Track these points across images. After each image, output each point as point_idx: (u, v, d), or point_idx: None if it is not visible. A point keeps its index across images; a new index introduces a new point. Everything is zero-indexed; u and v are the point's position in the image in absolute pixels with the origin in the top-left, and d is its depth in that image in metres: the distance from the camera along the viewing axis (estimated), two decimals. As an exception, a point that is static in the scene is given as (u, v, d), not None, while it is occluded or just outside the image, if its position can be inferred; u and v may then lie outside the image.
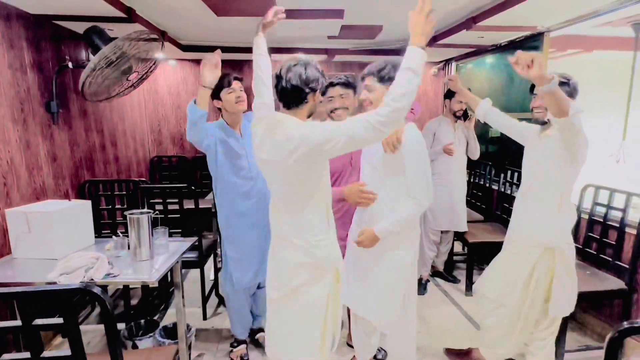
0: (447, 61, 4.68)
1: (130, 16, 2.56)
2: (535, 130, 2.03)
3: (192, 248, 2.39)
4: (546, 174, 1.91)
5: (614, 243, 2.43)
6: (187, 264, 2.75)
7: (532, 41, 3.24)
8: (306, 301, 1.56)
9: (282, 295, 1.59)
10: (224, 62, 2.11)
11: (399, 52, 4.10)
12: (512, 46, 3.51)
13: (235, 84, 2.12)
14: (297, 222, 1.52)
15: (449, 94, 3.17)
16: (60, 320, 1.10)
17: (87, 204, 2.27)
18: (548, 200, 1.90)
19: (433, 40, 3.51)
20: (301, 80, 1.47)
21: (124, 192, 2.95)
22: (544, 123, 1.96)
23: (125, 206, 2.93)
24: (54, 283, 1.72)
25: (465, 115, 3.18)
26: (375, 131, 1.34)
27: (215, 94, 2.08)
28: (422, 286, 3.27)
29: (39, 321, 1.08)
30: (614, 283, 2.33)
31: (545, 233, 1.92)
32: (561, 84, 1.77)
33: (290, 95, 1.49)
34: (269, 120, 1.51)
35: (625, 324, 0.90)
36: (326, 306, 1.56)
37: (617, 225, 2.42)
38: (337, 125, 1.41)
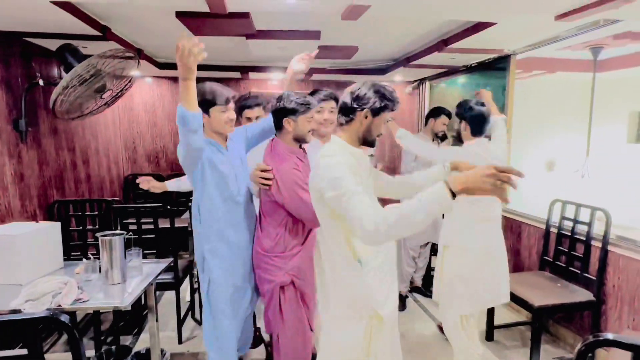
0: (422, 80, 4.83)
1: (105, 34, 2.54)
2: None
3: (167, 269, 2.33)
4: None
5: (581, 256, 2.53)
6: (162, 286, 2.67)
7: (499, 62, 3.40)
8: None
9: None
10: (200, 79, 2.07)
11: (374, 71, 4.21)
12: (482, 67, 3.67)
13: (231, 105, 1.87)
14: None
15: (436, 113, 3.27)
16: (24, 352, 1.04)
17: (55, 226, 2.19)
18: None
19: (407, 61, 3.63)
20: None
21: (96, 213, 2.86)
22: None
23: (97, 227, 2.83)
24: (19, 311, 1.63)
25: (444, 137, 3.29)
26: (367, 230, 1.20)
27: (204, 108, 1.75)
28: (401, 302, 3.28)
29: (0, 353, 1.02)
30: (583, 295, 2.41)
31: (443, 232, 2.25)
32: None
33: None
34: None
35: (591, 338, 0.94)
36: None
37: (584, 238, 2.52)
38: (350, 188, 1.25)
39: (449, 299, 2.20)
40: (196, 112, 1.62)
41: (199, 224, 1.84)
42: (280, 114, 1.79)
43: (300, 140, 1.84)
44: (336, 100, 2.14)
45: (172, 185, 2.40)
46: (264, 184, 1.74)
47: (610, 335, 0.95)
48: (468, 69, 3.85)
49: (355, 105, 1.38)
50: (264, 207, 1.82)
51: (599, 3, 1.74)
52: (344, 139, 1.42)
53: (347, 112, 1.40)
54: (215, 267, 1.82)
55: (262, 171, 1.76)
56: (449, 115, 3.28)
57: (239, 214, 1.86)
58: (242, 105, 2.36)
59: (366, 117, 1.38)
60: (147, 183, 2.31)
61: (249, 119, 2.36)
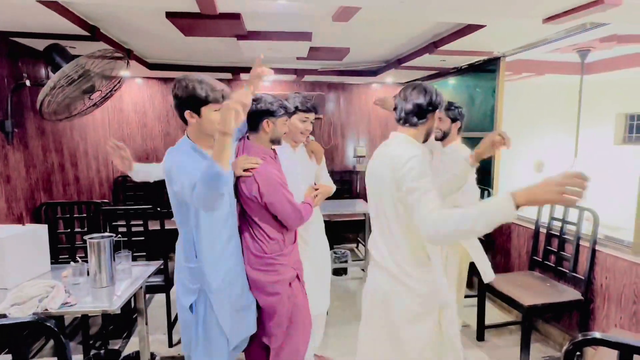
0: (412, 82, 4.86)
1: (94, 34, 2.51)
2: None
3: (157, 272, 2.30)
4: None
5: (570, 255, 2.56)
6: (152, 289, 2.64)
7: (489, 64, 3.43)
8: None
9: None
10: None
11: (366, 73, 4.23)
12: (472, 69, 3.71)
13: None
14: None
15: None
16: (8, 357, 1.02)
17: (42, 228, 2.15)
18: None
19: (398, 63, 3.65)
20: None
21: (84, 215, 2.82)
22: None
23: (86, 229, 2.79)
24: (4, 315, 1.60)
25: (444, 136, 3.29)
26: (428, 226, 1.30)
27: (194, 106, 1.51)
28: None
29: (-17, 359, 1.00)
30: (571, 294, 2.44)
31: None
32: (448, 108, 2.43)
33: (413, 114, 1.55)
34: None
35: (579, 337, 0.95)
36: None
37: (572, 238, 2.55)
38: (427, 186, 1.36)
39: None
40: (230, 171, 1.38)
41: (194, 259, 1.61)
42: (259, 115, 1.77)
43: (275, 142, 1.86)
44: (316, 111, 2.16)
45: (140, 170, 1.91)
46: (244, 175, 1.71)
47: (597, 334, 0.96)
48: (459, 71, 3.88)
49: (430, 108, 1.52)
50: (255, 215, 1.76)
51: (586, 6, 1.77)
52: (413, 136, 1.55)
53: (422, 114, 1.53)
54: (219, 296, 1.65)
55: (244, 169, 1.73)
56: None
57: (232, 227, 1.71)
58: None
59: (435, 117, 1.57)
60: (116, 152, 1.81)
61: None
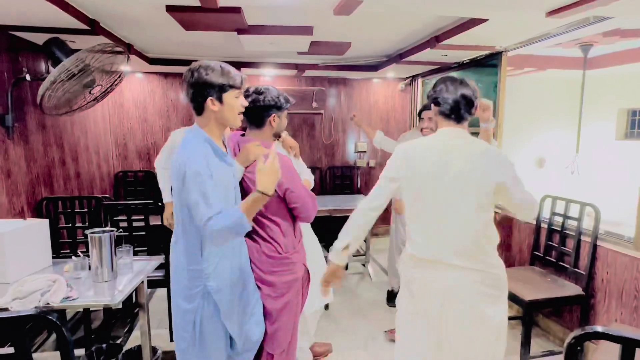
0: (414, 77, 4.84)
1: (94, 28, 2.49)
2: None
3: (158, 266, 2.31)
4: None
5: (571, 251, 2.56)
6: (153, 284, 2.64)
7: (491, 59, 3.41)
8: None
9: None
10: None
11: (367, 68, 4.21)
12: (474, 64, 3.69)
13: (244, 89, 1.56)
14: None
15: (419, 114, 3.28)
16: (11, 350, 1.02)
17: (43, 223, 2.15)
18: None
19: (399, 58, 3.63)
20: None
21: (85, 210, 2.82)
22: None
23: (87, 224, 2.79)
24: (6, 309, 1.60)
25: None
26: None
27: (216, 92, 1.41)
28: (393, 297, 3.30)
29: (-14, 352, 1.00)
30: (572, 289, 2.44)
31: None
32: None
33: None
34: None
35: (581, 331, 0.94)
36: None
37: (574, 233, 2.55)
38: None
39: None
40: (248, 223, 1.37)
41: (198, 260, 1.49)
42: (266, 110, 1.67)
43: (277, 136, 1.80)
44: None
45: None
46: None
47: (599, 328, 0.96)
48: (460, 66, 3.86)
49: (477, 103, 1.59)
50: (268, 211, 1.64)
51: (590, 0, 1.75)
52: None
53: (472, 107, 1.58)
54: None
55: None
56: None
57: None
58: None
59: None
60: None
61: None
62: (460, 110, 1.55)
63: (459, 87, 1.55)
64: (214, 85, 1.40)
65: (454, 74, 4.18)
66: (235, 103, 1.45)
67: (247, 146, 1.63)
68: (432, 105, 1.63)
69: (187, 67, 1.42)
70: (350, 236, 1.63)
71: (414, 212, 1.60)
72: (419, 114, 3.32)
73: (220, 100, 1.43)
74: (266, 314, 1.67)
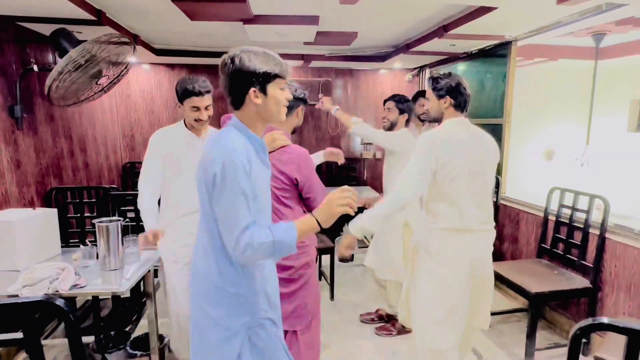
0: (421, 67, 4.78)
1: (100, 19, 2.50)
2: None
3: (165, 256, 2.33)
4: None
5: (579, 243, 2.53)
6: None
7: (500, 49, 3.36)
8: None
9: None
10: (198, 66, 2.06)
11: (374, 58, 4.16)
12: (482, 54, 3.63)
13: None
14: None
15: (414, 98, 3.25)
16: (20, 335, 1.04)
17: (52, 213, 2.18)
18: None
19: (407, 48, 3.58)
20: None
21: (94, 200, 2.85)
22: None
23: (95, 214, 2.83)
24: (16, 296, 1.64)
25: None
26: None
27: (260, 83, 1.20)
28: None
29: (-4, 336, 1.02)
30: (579, 282, 2.42)
31: None
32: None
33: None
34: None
35: (586, 322, 0.93)
36: None
37: (582, 226, 2.52)
38: None
39: None
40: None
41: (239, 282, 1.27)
42: (297, 102, 1.77)
43: (294, 131, 1.86)
44: None
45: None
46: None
47: (605, 319, 0.95)
48: (469, 56, 3.80)
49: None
50: (289, 199, 1.70)
51: (602, -14, 1.70)
52: None
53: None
54: None
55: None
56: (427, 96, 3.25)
57: None
58: (187, 91, 2.02)
59: None
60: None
61: (197, 109, 2.04)
62: (468, 104, 1.88)
63: (467, 86, 1.87)
64: (258, 74, 1.19)
65: (462, 64, 4.12)
66: (280, 95, 1.25)
67: (273, 133, 1.69)
68: (447, 96, 1.84)
69: (225, 54, 1.21)
70: (381, 221, 1.84)
71: (445, 191, 1.81)
72: (414, 100, 3.28)
73: (264, 91, 1.21)
74: (284, 296, 1.66)
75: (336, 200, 1.21)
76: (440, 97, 1.85)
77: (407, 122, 2.71)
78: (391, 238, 2.62)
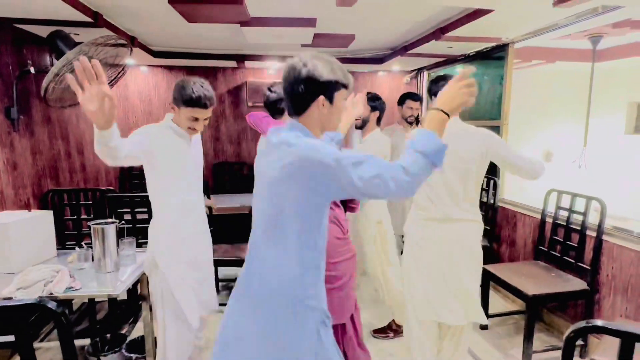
0: (419, 70, 4.79)
1: (97, 21, 2.50)
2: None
3: (161, 258, 2.32)
4: None
5: (576, 245, 2.53)
6: (156, 275, 2.66)
7: (498, 51, 3.36)
8: None
9: None
10: (196, 68, 2.05)
11: (372, 60, 4.17)
12: (480, 56, 3.64)
13: None
14: None
15: (400, 101, 3.26)
16: (11, 338, 1.04)
17: (48, 215, 2.18)
18: None
19: (404, 50, 3.59)
20: None
21: (90, 202, 2.84)
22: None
23: (92, 216, 2.82)
24: (10, 299, 1.63)
25: (417, 121, 3.25)
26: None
27: (330, 91, 1.20)
28: None
29: (-13, 339, 1.02)
30: (576, 284, 2.42)
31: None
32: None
33: None
34: None
35: (579, 324, 0.93)
36: None
37: (579, 228, 2.52)
38: None
39: None
40: None
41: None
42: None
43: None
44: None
45: (115, 139, 1.51)
46: None
47: (598, 322, 0.95)
48: (466, 58, 3.81)
49: None
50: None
51: (598, -12, 1.71)
52: None
53: None
54: None
55: None
56: (415, 98, 3.26)
57: None
58: (190, 100, 1.85)
59: None
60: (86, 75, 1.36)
61: (195, 120, 1.87)
62: None
63: None
64: (329, 83, 1.18)
65: (460, 66, 4.13)
66: (342, 105, 1.25)
67: None
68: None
69: (293, 59, 1.20)
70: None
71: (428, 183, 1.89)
72: (400, 103, 3.28)
73: (331, 100, 1.20)
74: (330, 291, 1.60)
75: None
76: (433, 97, 1.99)
77: (379, 120, 2.70)
78: (365, 235, 2.67)
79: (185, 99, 1.83)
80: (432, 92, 1.98)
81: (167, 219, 1.93)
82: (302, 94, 1.18)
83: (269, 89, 2.04)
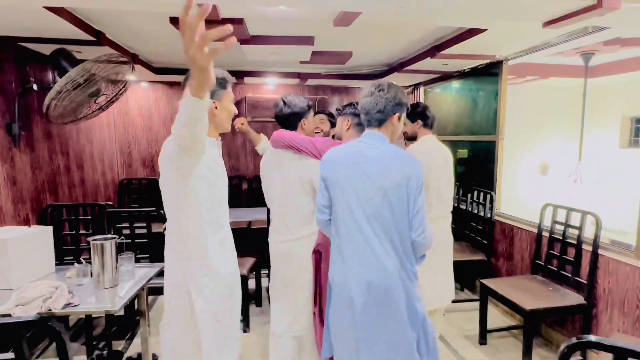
0: (416, 85, 4.87)
1: (100, 39, 2.55)
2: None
3: (160, 273, 2.32)
4: None
5: (572, 259, 2.54)
6: (155, 291, 2.65)
7: (492, 68, 3.43)
8: None
9: None
10: None
11: (369, 76, 4.24)
12: (475, 73, 3.71)
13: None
14: None
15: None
16: (11, 355, 1.04)
17: (47, 230, 2.18)
18: None
19: (401, 67, 3.66)
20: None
21: (89, 217, 2.85)
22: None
23: (91, 231, 2.83)
24: (9, 315, 1.63)
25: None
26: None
27: (402, 110, 1.62)
28: None
29: (-14, 357, 1.02)
30: (574, 298, 2.42)
31: None
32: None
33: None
34: None
35: (572, 340, 0.95)
36: None
37: (575, 242, 2.54)
38: None
39: None
40: None
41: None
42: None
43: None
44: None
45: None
46: None
47: (592, 338, 0.96)
48: (461, 75, 3.88)
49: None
50: None
51: (584, 10, 1.77)
52: None
53: None
54: None
55: None
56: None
57: None
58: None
59: None
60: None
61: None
62: (434, 123, 2.56)
63: None
64: (404, 104, 1.59)
65: (455, 82, 4.21)
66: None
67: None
68: (418, 119, 2.48)
69: (380, 81, 1.62)
70: None
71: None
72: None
73: (399, 118, 1.60)
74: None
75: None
76: (413, 121, 2.49)
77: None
78: None
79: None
80: (421, 115, 2.50)
81: (214, 239, 1.50)
82: (386, 109, 1.56)
83: (284, 102, 2.07)
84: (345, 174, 1.53)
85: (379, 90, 1.54)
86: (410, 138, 2.63)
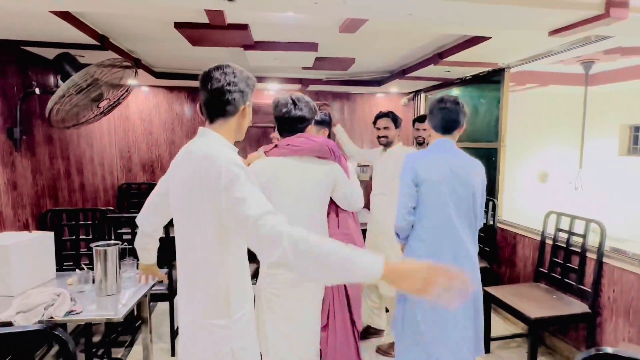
0: (417, 92, 4.88)
1: (103, 44, 2.54)
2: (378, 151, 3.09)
3: (161, 280, 2.29)
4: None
5: (576, 267, 2.54)
6: (156, 297, 2.63)
7: (494, 76, 3.45)
8: None
9: None
10: (197, 89, 1.98)
11: (371, 83, 4.25)
12: (477, 80, 3.72)
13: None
14: None
15: (413, 122, 3.31)
16: (14, 365, 1.02)
17: (48, 236, 2.16)
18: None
19: (403, 73, 3.67)
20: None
21: (90, 222, 2.82)
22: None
23: (91, 237, 2.80)
24: (10, 323, 1.60)
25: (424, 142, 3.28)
26: None
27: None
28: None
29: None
30: (578, 307, 2.41)
31: None
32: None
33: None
34: None
35: (589, 352, 0.94)
36: None
37: (579, 250, 2.53)
38: None
39: None
40: None
41: None
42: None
43: None
44: None
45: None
46: None
47: (609, 349, 0.95)
48: (463, 82, 3.90)
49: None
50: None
51: (591, 20, 1.78)
52: None
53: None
54: None
55: None
56: (421, 120, 3.30)
57: None
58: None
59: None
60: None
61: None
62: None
63: None
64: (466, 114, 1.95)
65: (457, 89, 4.22)
66: None
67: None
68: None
69: (449, 96, 1.95)
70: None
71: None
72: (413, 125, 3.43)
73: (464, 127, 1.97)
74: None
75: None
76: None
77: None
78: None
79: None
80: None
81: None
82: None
83: (293, 102, 1.77)
84: (441, 175, 1.82)
85: (455, 104, 1.89)
86: (420, 143, 2.83)
